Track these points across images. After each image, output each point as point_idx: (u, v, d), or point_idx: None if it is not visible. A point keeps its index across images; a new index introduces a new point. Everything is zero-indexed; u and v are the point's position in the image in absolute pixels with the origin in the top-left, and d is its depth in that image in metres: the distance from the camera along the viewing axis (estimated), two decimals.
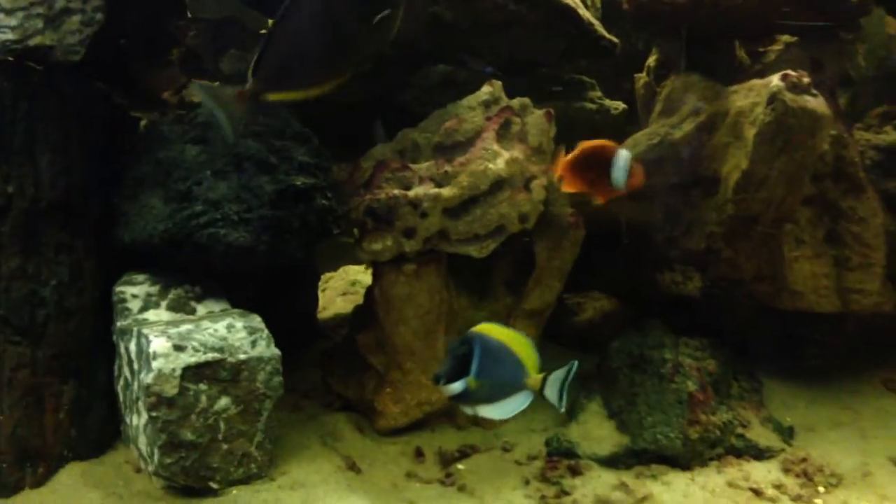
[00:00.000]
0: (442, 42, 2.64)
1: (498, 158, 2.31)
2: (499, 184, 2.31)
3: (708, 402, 2.40)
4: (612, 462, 2.35)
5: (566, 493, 2.23)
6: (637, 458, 2.34)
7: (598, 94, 2.61)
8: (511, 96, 2.47)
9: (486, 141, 2.34)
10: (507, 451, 2.44)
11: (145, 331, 2.09)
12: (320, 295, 3.11)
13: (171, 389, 2.02)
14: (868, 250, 2.50)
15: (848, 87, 3.12)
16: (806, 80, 2.30)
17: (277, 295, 2.58)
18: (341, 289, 3.09)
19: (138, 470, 2.24)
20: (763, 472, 2.32)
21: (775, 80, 2.30)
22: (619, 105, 2.56)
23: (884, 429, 2.59)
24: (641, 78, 2.67)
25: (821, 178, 2.48)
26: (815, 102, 2.30)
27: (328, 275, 3.23)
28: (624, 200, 2.60)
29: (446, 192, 2.29)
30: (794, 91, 2.29)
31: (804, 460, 2.36)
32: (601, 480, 2.29)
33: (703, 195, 2.52)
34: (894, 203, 2.64)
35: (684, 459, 2.32)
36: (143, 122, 2.70)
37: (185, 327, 2.11)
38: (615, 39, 2.52)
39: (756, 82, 2.38)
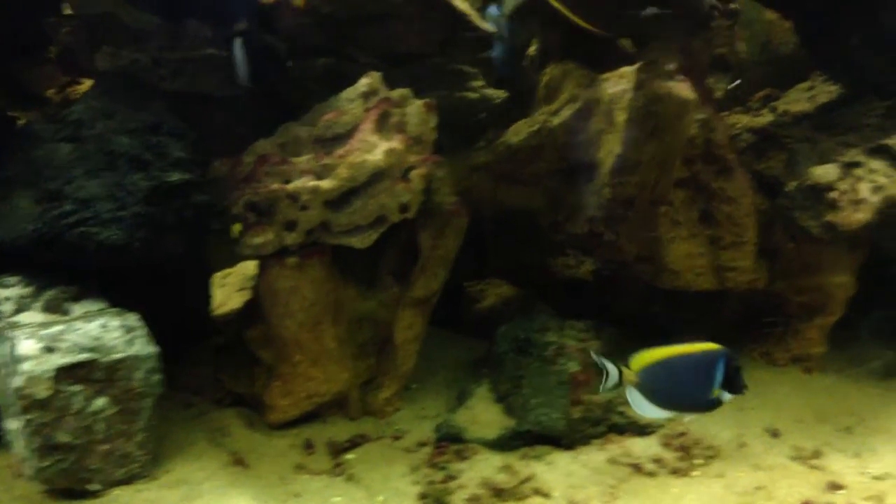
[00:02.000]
0: (324, 35, 2.65)
1: (376, 149, 2.33)
2: (378, 175, 2.33)
3: (589, 383, 2.46)
4: (498, 445, 2.39)
5: (452, 478, 2.27)
6: (522, 439, 2.39)
7: (481, 83, 2.66)
8: (395, 88, 2.49)
9: (365, 132, 2.36)
10: (397, 440, 2.47)
11: (15, 333, 2.05)
12: (218, 291, 3.09)
13: (43, 392, 1.99)
14: (740, 229, 2.60)
15: (730, 72, 3.23)
16: (671, 66, 2.37)
17: (164, 292, 2.55)
18: (239, 284, 3.08)
19: (19, 475, 2.20)
20: (643, 448, 2.40)
21: (643, 66, 2.37)
22: (502, 94, 2.61)
23: (760, 399, 2.70)
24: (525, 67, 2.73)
25: (692, 161, 2.57)
26: (681, 88, 2.38)
27: (227, 271, 3.21)
28: (510, 186, 2.66)
29: (325, 184, 2.30)
30: (660, 77, 2.36)
31: (682, 434, 2.44)
32: (487, 463, 2.33)
33: (584, 180, 2.58)
34: (767, 183, 2.74)
35: (567, 439, 2.38)
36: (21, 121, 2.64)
37: (56, 328, 2.08)
38: (491, 29, 2.56)
39: (626, 70, 2.45)
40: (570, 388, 2.43)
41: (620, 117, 2.42)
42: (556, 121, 2.56)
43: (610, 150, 2.46)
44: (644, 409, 1.95)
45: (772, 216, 2.68)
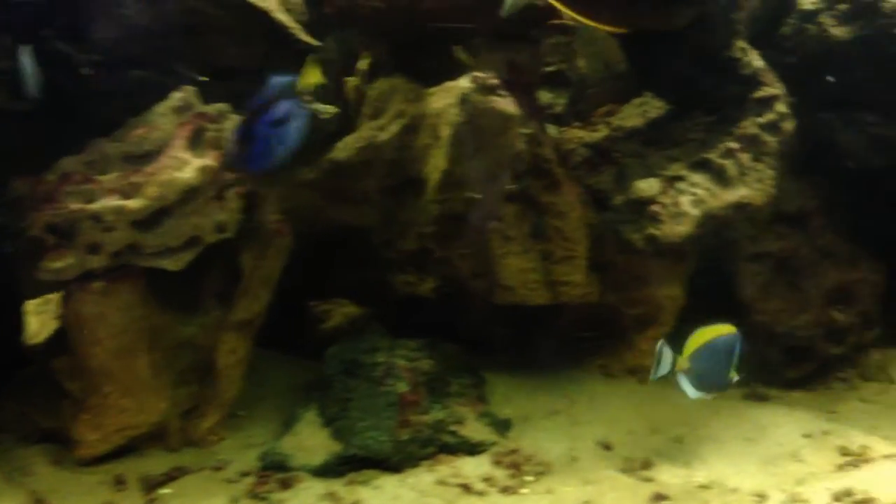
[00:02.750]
0: (141, 47, 2.51)
1: (187, 167, 2.22)
2: (190, 193, 2.22)
3: (419, 403, 2.41)
4: (324, 471, 2.31)
5: None
6: (349, 464, 2.32)
7: (309, 97, 2.57)
8: (214, 102, 2.39)
9: (176, 149, 2.25)
10: (218, 470, 2.36)
11: None
12: (34, 319, 2.89)
13: None
14: (570, 243, 2.61)
15: (570, 87, 3.26)
16: (494, 81, 2.36)
17: None
18: (57, 312, 2.88)
19: None
20: (474, 467, 2.36)
21: (465, 81, 2.35)
22: (331, 108, 2.54)
23: (594, 413, 2.71)
24: (352, 81, 2.66)
25: (522, 176, 2.56)
26: (504, 103, 2.37)
27: (48, 297, 3.00)
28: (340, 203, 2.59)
29: (132, 203, 2.18)
30: (483, 92, 2.35)
31: (514, 451, 2.42)
32: (311, 491, 2.25)
33: (413, 196, 2.54)
34: (598, 197, 2.77)
35: (395, 461, 2.32)
36: None
37: None
38: (315, 42, 2.49)
39: (450, 84, 2.43)
40: (399, 409, 2.38)
41: (445, 132, 2.39)
42: (383, 136, 2.51)
43: (436, 165, 2.43)
44: (690, 391, 2.15)
45: (603, 230, 2.70)
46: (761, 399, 2.90)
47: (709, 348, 2.10)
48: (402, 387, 2.40)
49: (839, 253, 2.91)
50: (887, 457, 2.58)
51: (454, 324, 2.87)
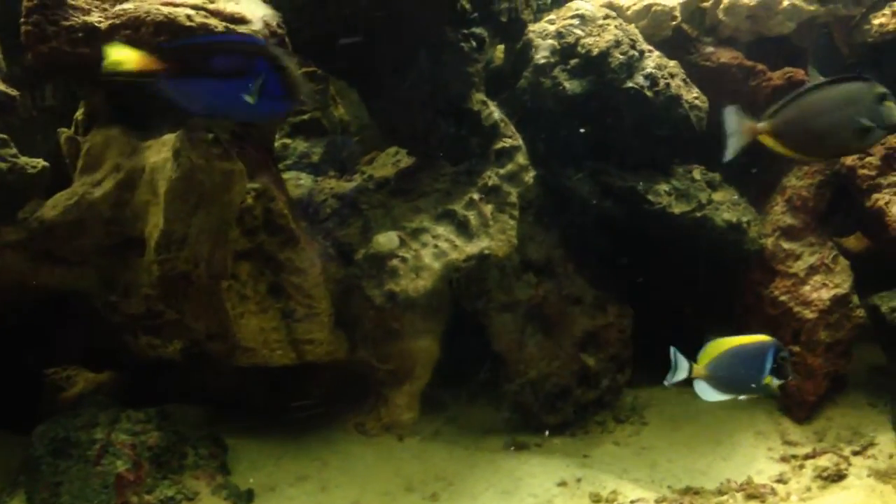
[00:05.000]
0: None
1: None
2: None
3: (142, 481, 2.22)
4: None
5: None
6: None
7: (12, 150, 2.36)
8: None
9: None
10: None
11: None
12: None
13: None
14: (311, 300, 2.51)
15: (326, 135, 3.19)
16: (212, 134, 2.23)
17: None
18: None
19: None
20: None
21: (180, 134, 2.21)
22: (39, 163, 2.33)
23: (347, 475, 2.61)
24: (65, 132, 2.46)
25: (255, 232, 2.44)
26: (225, 157, 2.25)
27: None
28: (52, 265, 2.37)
29: None
30: (198, 146, 2.21)
31: None
32: None
33: (134, 256, 2.35)
34: (346, 251, 2.69)
35: None
36: None
37: None
38: (12, 92, 2.28)
39: (167, 137, 2.28)
40: (116, 490, 2.17)
41: (163, 188, 2.23)
42: (98, 193, 2.32)
43: (156, 223, 2.26)
44: (709, 395, 2.21)
45: (349, 285, 2.62)
46: (521, 447, 2.91)
47: (733, 354, 2.19)
48: (121, 465, 2.21)
49: (587, 299, 2.97)
50: (633, 502, 2.63)
51: (205, 386, 2.71)
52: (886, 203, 2.91)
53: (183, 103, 1.91)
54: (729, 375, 2.21)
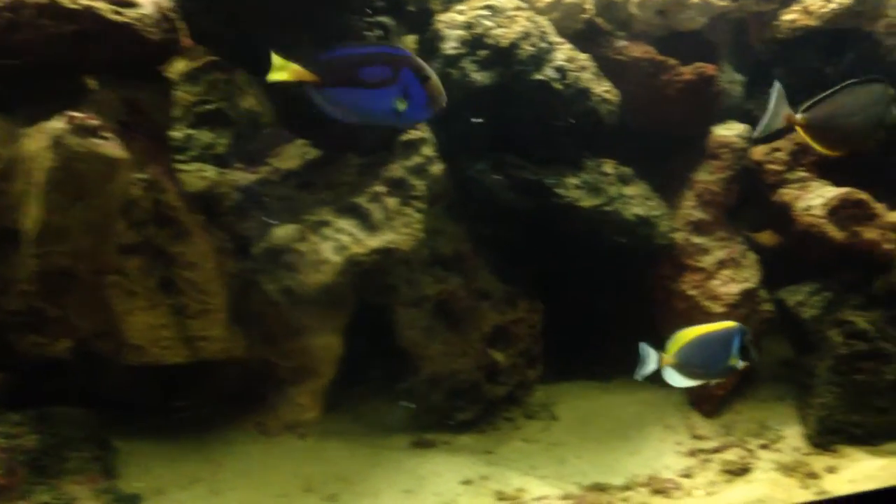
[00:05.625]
0: None
1: None
2: None
3: (16, 487, 2.10)
4: None
5: None
6: None
7: None
8: None
9: None
10: None
11: None
12: None
13: None
14: (205, 296, 2.41)
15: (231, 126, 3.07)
16: (94, 122, 2.12)
17: None
18: None
19: None
20: None
21: (58, 122, 2.10)
22: None
23: (243, 478, 2.52)
24: None
25: (144, 225, 2.33)
26: (108, 146, 2.14)
27: None
28: None
29: None
30: (80, 134, 2.10)
31: None
32: None
33: (11, 250, 2.23)
34: (245, 245, 2.60)
35: None
36: None
37: None
38: None
39: (48, 124, 2.16)
40: None
41: (41, 178, 2.11)
42: None
43: (33, 215, 2.14)
44: (677, 381, 2.29)
45: (248, 280, 2.53)
46: (427, 446, 2.85)
47: (701, 341, 2.29)
48: None
49: (496, 294, 2.93)
50: (537, 499, 2.60)
51: (97, 386, 2.59)
52: (793, 198, 2.94)
53: (333, 112, 2.05)
54: (698, 362, 2.30)
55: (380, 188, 2.60)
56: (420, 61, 2.08)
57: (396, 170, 2.63)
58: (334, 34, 2.43)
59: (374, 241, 2.54)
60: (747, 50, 3.30)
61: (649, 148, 3.11)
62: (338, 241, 2.50)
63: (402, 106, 2.03)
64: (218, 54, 2.68)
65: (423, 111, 2.08)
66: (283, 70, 2.00)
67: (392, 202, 2.60)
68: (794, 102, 2.97)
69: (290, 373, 2.69)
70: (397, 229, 2.58)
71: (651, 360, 2.26)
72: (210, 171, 2.90)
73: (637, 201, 2.93)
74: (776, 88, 2.41)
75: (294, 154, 2.89)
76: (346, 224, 2.55)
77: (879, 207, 2.88)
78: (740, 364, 2.34)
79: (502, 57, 2.69)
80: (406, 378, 2.92)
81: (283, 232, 2.45)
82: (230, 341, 2.51)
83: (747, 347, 2.34)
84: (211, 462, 2.57)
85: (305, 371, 2.69)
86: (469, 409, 2.93)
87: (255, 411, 2.74)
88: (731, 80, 3.35)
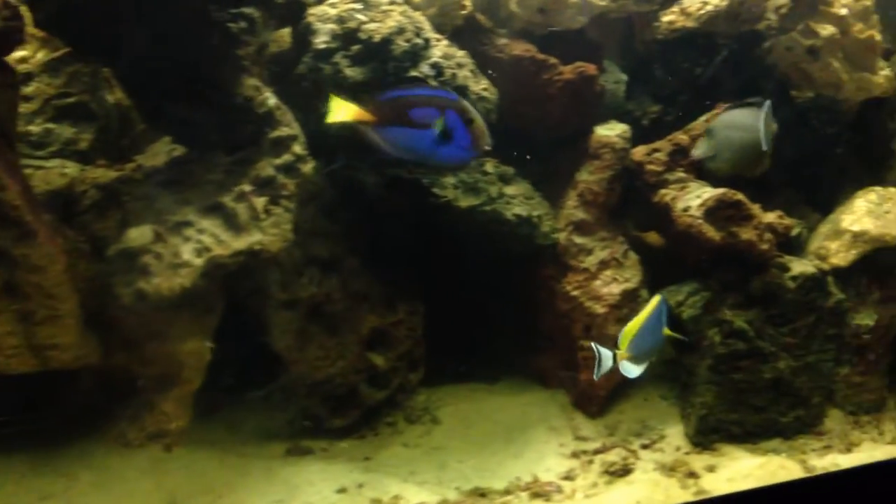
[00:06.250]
0: None
1: None
2: None
3: None
4: None
5: None
6: None
7: None
8: None
9: None
10: None
11: None
12: None
13: None
14: (53, 301, 2.27)
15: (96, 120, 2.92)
16: None
17: None
18: None
19: None
20: None
21: None
22: None
23: (101, 493, 2.39)
24: None
25: None
26: None
27: None
28: None
29: None
30: None
31: None
32: None
33: None
34: (101, 246, 2.46)
35: None
36: None
37: None
38: None
39: None
40: None
41: None
42: None
43: None
44: (634, 372, 2.32)
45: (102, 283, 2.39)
46: (304, 453, 2.77)
47: (644, 329, 2.35)
48: None
49: (375, 296, 2.86)
50: None
51: None
52: (672, 198, 2.95)
53: (385, 149, 2.27)
54: (648, 347, 2.38)
55: (247, 187, 2.50)
56: (466, 105, 2.29)
57: (265, 168, 2.53)
58: (190, 25, 2.31)
59: (239, 243, 2.43)
60: (633, 50, 3.30)
61: (532, 147, 3.08)
62: (200, 243, 2.39)
63: (443, 146, 2.24)
64: (68, 44, 2.53)
65: (467, 152, 2.29)
66: (342, 110, 2.21)
67: (260, 202, 2.50)
68: (672, 104, 3.02)
69: (154, 380, 2.56)
70: (265, 230, 2.48)
71: (607, 359, 2.29)
72: (71, 168, 2.76)
73: (518, 201, 2.89)
74: (766, 106, 2.54)
75: (161, 151, 2.76)
76: (209, 224, 2.44)
77: (755, 208, 2.92)
78: (667, 331, 2.45)
79: (376, 52, 2.62)
80: (281, 383, 2.82)
81: (138, 233, 2.32)
82: (84, 348, 2.37)
83: (671, 313, 2.49)
84: (65, 476, 2.43)
85: (170, 378, 2.57)
86: (347, 415, 2.85)
87: (117, 422, 2.60)
88: (617, 80, 3.36)
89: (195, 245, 2.38)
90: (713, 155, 2.60)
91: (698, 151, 2.63)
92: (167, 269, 2.32)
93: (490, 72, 2.88)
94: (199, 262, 2.36)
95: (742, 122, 2.62)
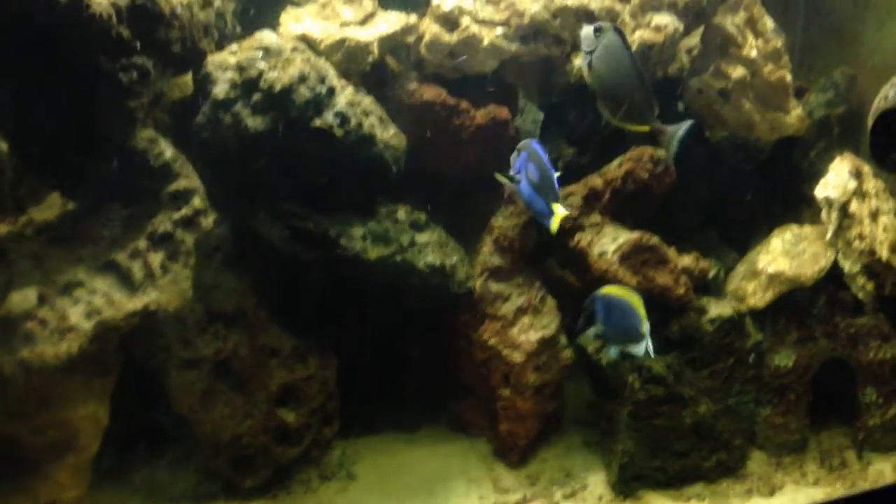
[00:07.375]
0: None
1: None
2: None
3: None
4: None
5: None
6: None
7: None
8: None
9: None
10: None
11: None
12: None
13: None
14: None
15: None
16: None
17: None
18: None
19: None
20: None
21: None
22: None
23: None
24: None
25: None
26: None
27: None
28: None
29: None
30: None
31: None
32: None
33: None
34: None
35: None
36: None
37: None
38: None
39: None
40: None
41: None
42: None
43: None
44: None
45: None
46: None
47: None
48: None
49: (285, 350, 2.76)
50: None
51: None
52: (588, 243, 2.91)
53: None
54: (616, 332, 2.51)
55: (142, 243, 2.40)
56: (535, 147, 2.44)
57: (162, 223, 2.43)
58: (79, 76, 2.21)
59: (133, 303, 2.33)
60: (550, 92, 3.27)
61: (448, 191, 3.02)
62: (90, 305, 2.27)
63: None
64: None
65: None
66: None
67: (156, 258, 2.40)
68: (587, 147, 2.99)
69: (47, 448, 2.43)
70: (163, 288, 2.38)
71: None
72: None
73: (431, 248, 2.83)
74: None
75: (55, 203, 2.63)
76: (102, 284, 2.33)
77: (671, 251, 2.90)
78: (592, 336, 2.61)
79: (277, 101, 2.54)
80: (187, 444, 2.70)
81: (21, 297, 2.20)
82: None
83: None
84: None
85: (63, 445, 2.43)
86: (258, 474, 2.74)
87: (7, 494, 2.46)
88: (535, 120, 3.33)
89: (85, 307, 2.27)
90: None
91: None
92: (52, 334, 2.20)
93: (400, 118, 2.83)
94: (87, 325, 2.25)
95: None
